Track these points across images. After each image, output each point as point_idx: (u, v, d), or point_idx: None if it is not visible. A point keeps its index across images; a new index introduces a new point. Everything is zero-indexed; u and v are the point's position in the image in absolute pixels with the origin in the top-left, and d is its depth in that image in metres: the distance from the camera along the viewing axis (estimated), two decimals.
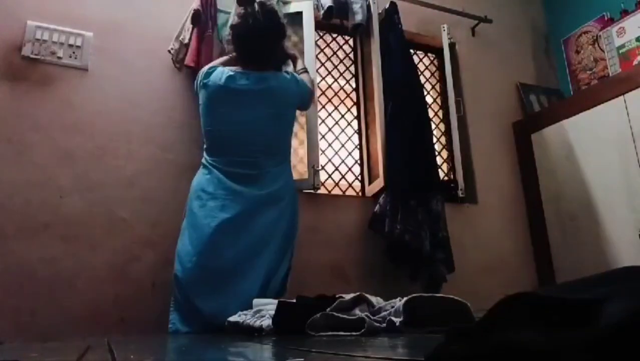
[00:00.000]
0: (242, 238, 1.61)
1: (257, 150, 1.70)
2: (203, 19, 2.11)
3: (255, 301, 1.45)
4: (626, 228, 2.30)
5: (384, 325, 1.01)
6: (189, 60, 2.08)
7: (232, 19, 2.12)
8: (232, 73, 1.75)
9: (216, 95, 1.73)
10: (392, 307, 1.05)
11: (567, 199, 2.60)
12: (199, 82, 1.80)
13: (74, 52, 2.02)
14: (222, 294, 1.55)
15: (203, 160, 1.77)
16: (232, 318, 1.38)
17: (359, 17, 2.40)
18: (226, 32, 2.10)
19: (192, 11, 2.08)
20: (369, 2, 2.44)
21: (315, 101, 2.10)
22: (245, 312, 1.38)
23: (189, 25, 2.10)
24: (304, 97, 1.89)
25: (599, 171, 2.46)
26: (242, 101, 1.69)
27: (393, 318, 1.00)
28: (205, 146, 1.79)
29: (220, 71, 1.76)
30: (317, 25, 2.36)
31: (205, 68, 1.81)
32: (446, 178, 2.76)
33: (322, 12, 2.38)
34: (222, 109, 1.71)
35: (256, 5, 1.74)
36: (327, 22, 2.52)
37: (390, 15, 2.49)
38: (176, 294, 1.65)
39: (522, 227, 2.80)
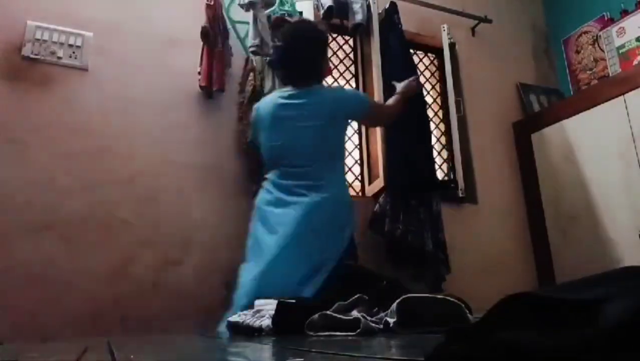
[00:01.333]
0: (302, 255, 1.62)
1: (304, 162, 1.76)
2: (211, 35, 2.12)
3: (256, 301, 1.45)
4: (626, 228, 2.30)
5: (381, 325, 1.02)
6: (202, 80, 2.10)
7: (252, 31, 2.12)
8: (278, 94, 1.86)
9: (265, 117, 1.84)
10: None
11: (567, 199, 2.60)
12: (253, 115, 1.93)
13: (74, 52, 2.02)
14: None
15: (264, 182, 1.83)
16: (232, 318, 1.38)
17: (359, 17, 2.40)
18: (250, 43, 2.11)
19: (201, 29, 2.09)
20: (369, 2, 2.44)
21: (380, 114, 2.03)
22: (245, 312, 1.38)
23: None
24: (351, 108, 1.86)
25: (599, 171, 2.46)
26: (288, 118, 1.78)
27: (388, 319, 1.00)
28: (265, 167, 1.88)
29: (268, 98, 1.90)
30: None
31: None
32: (446, 178, 2.76)
33: (322, 12, 2.38)
34: (271, 129, 1.82)
35: (283, 30, 1.83)
36: (327, 22, 2.51)
37: (390, 15, 2.49)
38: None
39: (522, 227, 2.80)
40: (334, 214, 1.72)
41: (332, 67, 2.62)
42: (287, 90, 1.84)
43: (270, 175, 1.81)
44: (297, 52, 1.80)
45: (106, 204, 1.92)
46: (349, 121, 1.94)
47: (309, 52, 1.83)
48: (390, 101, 2.02)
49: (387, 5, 2.52)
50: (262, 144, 1.88)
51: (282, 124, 1.80)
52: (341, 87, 1.98)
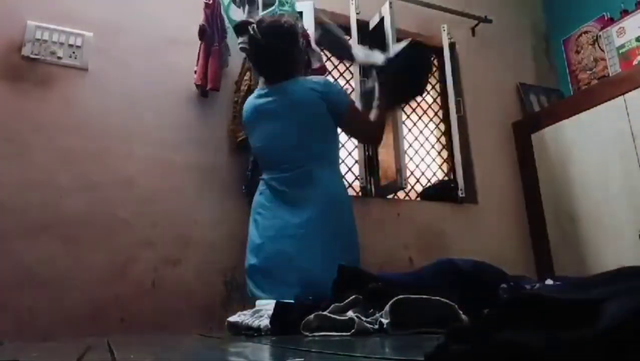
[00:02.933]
0: (283, 238, 1.60)
1: (291, 159, 1.69)
2: (209, 32, 2.11)
3: (257, 301, 1.46)
4: (626, 228, 2.30)
5: (376, 326, 1.01)
6: (197, 78, 2.10)
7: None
8: (258, 93, 1.81)
9: (249, 117, 1.80)
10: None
11: (567, 199, 2.60)
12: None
13: (74, 52, 2.02)
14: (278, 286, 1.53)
15: (260, 183, 1.79)
16: (232, 318, 1.38)
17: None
18: (240, 40, 2.10)
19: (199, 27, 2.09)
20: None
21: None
22: (244, 312, 1.38)
23: None
24: (333, 99, 1.71)
25: (599, 171, 2.46)
26: (269, 115, 1.73)
27: (382, 320, 1.00)
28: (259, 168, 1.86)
29: (251, 97, 1.85)
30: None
31: None
32: (446, 178, 2.76)
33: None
34: (256, 129, 1.78)
35: (250, 29, 1.73)
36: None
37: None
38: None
39: (522, 227, 2.80)
40: (329, 213, 1.63)
41: (333, 66, 2.62)
42: (263, 88, 1.79)
43: (263, 177, 1.76)
44: (267, 49, 1.71)
45: (106, 204, 1.92)
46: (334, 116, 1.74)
47: (278, 46, 1.71)
48: (372, 114, 1.79)
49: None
50: (251, 146, 1.85)
51: (260, 125, 1.74)
52: (325, 79, 1.82)
